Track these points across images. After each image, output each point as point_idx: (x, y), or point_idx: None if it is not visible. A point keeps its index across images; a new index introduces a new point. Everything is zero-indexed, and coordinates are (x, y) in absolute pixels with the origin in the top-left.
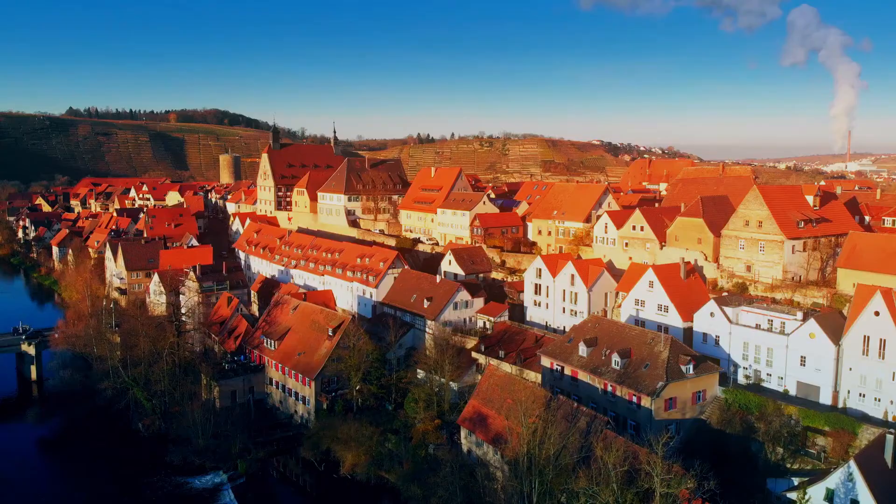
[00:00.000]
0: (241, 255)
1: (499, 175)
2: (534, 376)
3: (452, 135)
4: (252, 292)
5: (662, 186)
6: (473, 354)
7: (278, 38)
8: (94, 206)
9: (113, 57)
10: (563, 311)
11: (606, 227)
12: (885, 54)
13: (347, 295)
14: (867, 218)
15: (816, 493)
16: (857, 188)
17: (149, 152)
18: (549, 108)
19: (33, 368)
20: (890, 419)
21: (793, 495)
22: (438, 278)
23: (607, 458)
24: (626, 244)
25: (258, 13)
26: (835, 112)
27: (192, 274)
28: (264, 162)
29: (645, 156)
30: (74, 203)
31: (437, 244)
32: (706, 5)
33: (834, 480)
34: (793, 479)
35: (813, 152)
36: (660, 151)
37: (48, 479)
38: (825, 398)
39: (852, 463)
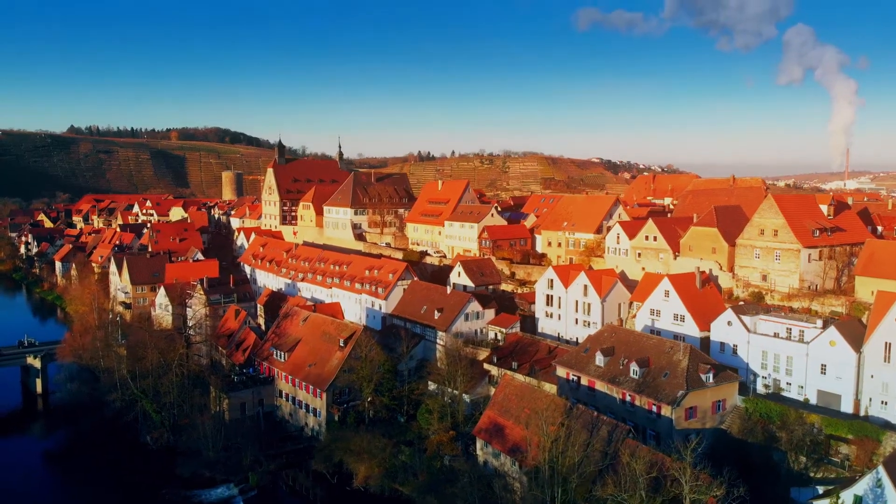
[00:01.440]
0: (247, 268)
1: (499, 192)
2: (548, 387)
3: (453, 152)
4: (258, 305)
5: (667, 201)
6: (486, 366)
7: (278, 56)
8: (97, 222)
9: (114, 75)
10: (576, 322)
11: (619, 237)
12: (881, 72)
13: (356, 307)
14: (879, 228)
15: (845, 499)
16: (866, 199)
17: (150, 170)
18: (549, 127)
19: (38, 382)
20: None
21: (821, 503)
22: (448, 290)
23: (634, 466)
24: (639, 254)
25: (259, 32)
26: (833, 129)
27: (199, 287)
28: (269, 177)
29: (645, 173)
30: (77, 219)
31: (444, 257)
32: (703, 25)
33: (862, 487)
34: (817, 487)
35: (811, 170)
36: (659, 169)
37: (53, 492)
38: (846, 406)
39: (881, 469)
